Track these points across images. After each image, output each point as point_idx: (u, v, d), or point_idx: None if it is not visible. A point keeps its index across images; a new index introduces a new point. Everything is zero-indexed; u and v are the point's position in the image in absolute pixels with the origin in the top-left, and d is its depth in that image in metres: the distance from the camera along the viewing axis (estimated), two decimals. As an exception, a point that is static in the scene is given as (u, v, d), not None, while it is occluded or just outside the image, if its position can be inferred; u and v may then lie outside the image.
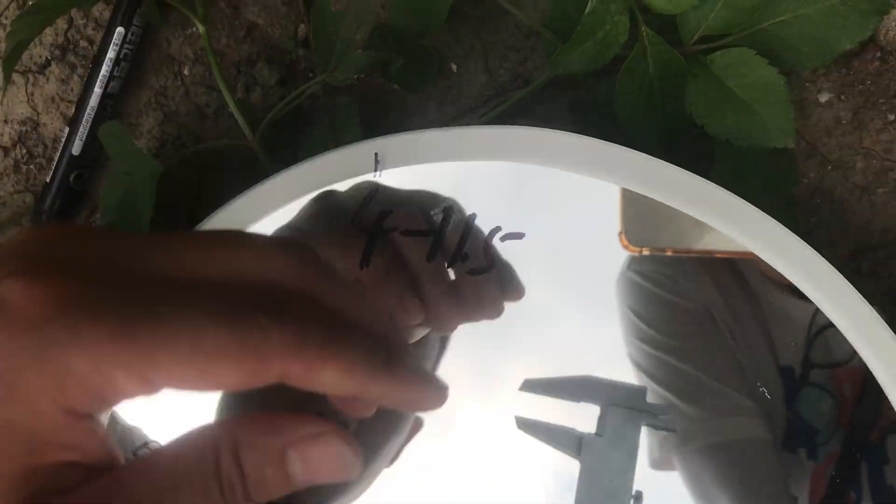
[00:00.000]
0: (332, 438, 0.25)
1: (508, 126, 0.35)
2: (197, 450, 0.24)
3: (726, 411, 0.38)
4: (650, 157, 0.33)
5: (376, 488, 0.41)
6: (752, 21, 0.35)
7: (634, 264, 0.39)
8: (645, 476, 0.36)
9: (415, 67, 0.38)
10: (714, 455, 0.39)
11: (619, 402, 0.37)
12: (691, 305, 0.38)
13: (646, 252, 0.38)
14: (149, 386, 0.22)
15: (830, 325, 0.35)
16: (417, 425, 0.41)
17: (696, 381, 0.38)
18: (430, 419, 0.41)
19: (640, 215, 0.38)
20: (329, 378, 0.24)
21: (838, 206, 0.40)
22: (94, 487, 0.23)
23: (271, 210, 0.37)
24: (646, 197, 0.35)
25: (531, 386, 0.38)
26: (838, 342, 0.36)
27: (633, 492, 0.36)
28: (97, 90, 0.45)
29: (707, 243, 0.37)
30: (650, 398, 0.38)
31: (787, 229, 0.33)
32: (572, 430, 0.37)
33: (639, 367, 0.38)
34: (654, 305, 0.38)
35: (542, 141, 0.34)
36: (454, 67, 0.43)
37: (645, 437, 0.38)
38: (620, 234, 0.38)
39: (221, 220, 0.37)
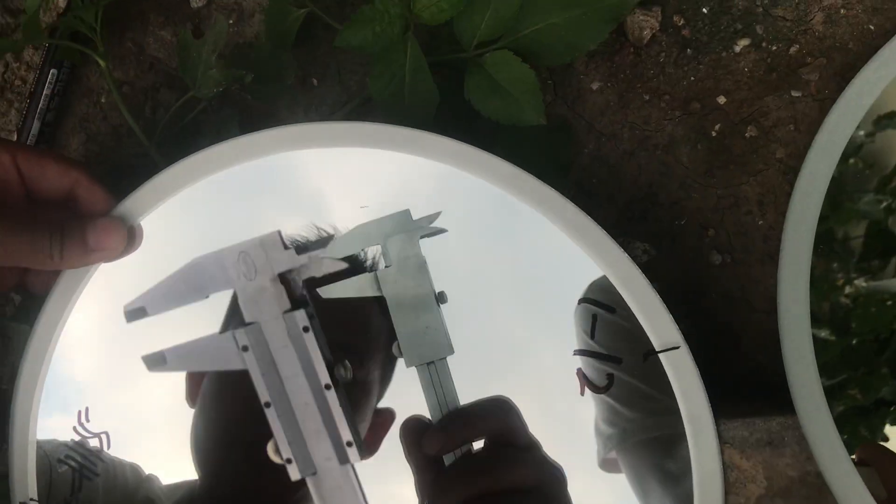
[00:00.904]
0: (115, 219, 0.45)
1: (340, 122, 0.46)
2: (42, 225, 0.44)
3: (658, 411, 0.44)
4: (442, 136, 0.44)
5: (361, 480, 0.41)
6: (515, 29, 0.46)
7: (589, 293, 0.44)
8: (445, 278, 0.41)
9: (267, 81, 0.49)
10: (648, 448, 0.45)
11: (392, 233, 0.39)
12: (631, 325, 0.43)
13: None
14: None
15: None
16: (390, 416, 0.44)
17: (634, 388, 0.44)
18: (403, 410, 0.42)
19: None
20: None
21: (613, 168, 0.52)
22: None
23: (164, 198, 0.48)
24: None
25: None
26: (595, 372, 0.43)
27: (436, 293, 0.39)
28: (36, 122, 0.56)
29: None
30: (597, 407, 0.44)
31: (544, 184, 0.43)
32: (366, 275, 0.40)
33: (586, 376, 0.44)
34: (602, 328, 0.44)
35: (362, 130, 0.44)
36: (315, 81, 0.55)
37: (592, 440, 0.44)
38: None
39: (127, 206, 0.47)
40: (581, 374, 0.44)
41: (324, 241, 0.42)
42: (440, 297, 0.40)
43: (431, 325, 0.38)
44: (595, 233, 0.43)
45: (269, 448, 0.37)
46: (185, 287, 0.38)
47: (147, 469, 0.50)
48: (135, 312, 0.41)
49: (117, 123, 0.57)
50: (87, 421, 0.48)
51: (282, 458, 0.37)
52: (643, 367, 0.43)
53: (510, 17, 0.46)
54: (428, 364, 0.38)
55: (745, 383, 0.49)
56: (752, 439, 0.43)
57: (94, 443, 0.48)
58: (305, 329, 0.37)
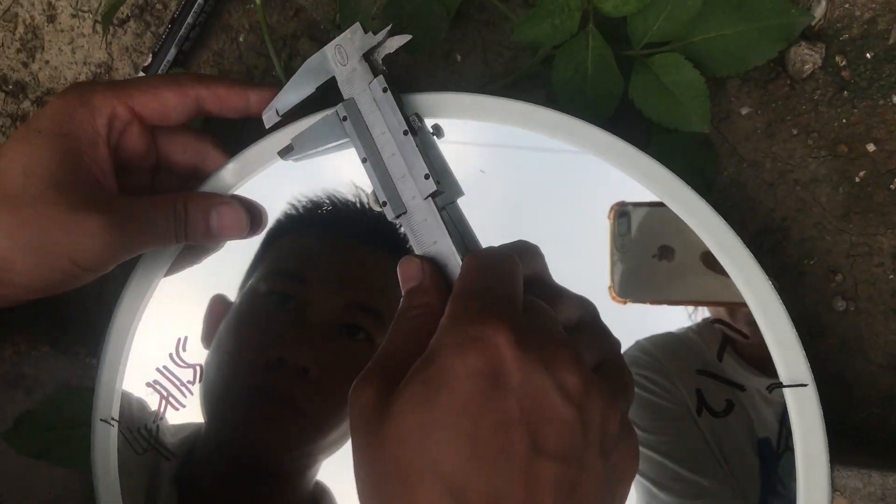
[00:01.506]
0: (236, 205, 0.45)
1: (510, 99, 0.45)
2: (168, 196, 0.44)
3: (695, 495, 0.43)
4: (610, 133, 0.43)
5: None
6: (685, 34, 0.46)
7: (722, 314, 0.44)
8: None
9: (420, 33, 0.48)
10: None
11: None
12: (668, 404, 0.44)
13: (629, 303, 0.45)
14: (128, 107, 0.44)
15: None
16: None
17: (668, 470, 0.44)
18: None
19: (626, 272, 0.45)
20: (221, 91, 0.45)
21: (750, 196, 0.51)
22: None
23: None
24: (632, 254, 0.44)
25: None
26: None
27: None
28: (174, 49, 0.56)
29: (685, 296, 0.44)
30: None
31: (699, 197, 0.42)
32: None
33: (703, 398, 0.43)
34: (732, 353, 0.44)
35: (525, 111, 0.44)
36: (458, 57, 0.54)
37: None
38: (609, 287, 0.45)
39: (262, 147, 0.47)
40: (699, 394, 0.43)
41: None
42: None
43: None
44: (741, 254, 0.42)
45: (370, 197, 0.42)
46: (304, 81, 0.45)
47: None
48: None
49: (252, 65, 0.57)
50: (184, 350, 0.48)
51: (379, 203, 0.41)
52: (761, 397, 0.42)
53: (685, 21, 0.45)
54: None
55: (855, 434, 0.48)
56: (865, 492, 0.42)
57: (186, 374, 0.48)
58: (385, 90, 0.42)
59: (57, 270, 0.40)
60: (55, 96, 0.44)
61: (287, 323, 0.47)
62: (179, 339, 0.48)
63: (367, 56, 0.43)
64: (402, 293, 0.38)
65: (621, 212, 0.45)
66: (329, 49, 0.44)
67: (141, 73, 0.57)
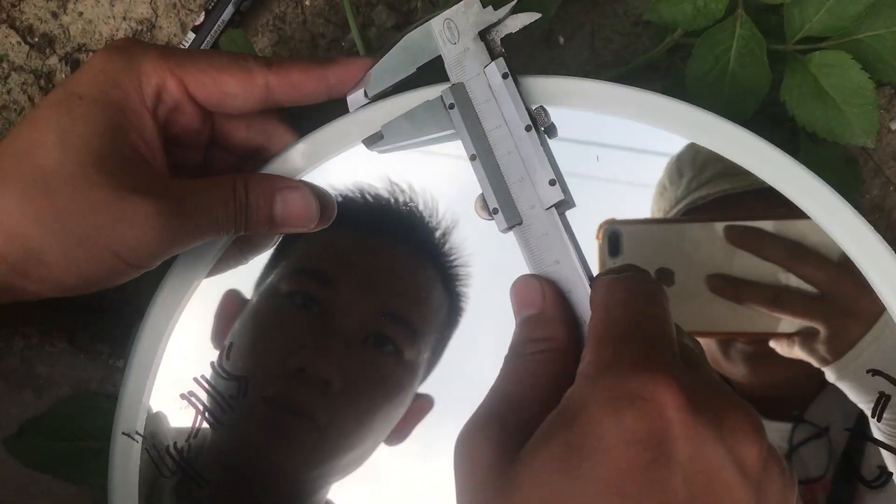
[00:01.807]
0: (304, 191, 0.38)
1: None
2: (225, 178, 0.37)
3: None
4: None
5: (382, 469, 0.41)
6: (850, 30, 0.39)
7: (877, 362, 0.38)
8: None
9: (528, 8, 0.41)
10: None
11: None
12: None
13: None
14: (181, 84, 0.37)
15: (804, 442, 0.38)
16: (428, 404, 0.42)
17: None
18: (442, 397, 0.41)
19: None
20: (294, 77, 0.37)
21: (894, 223, 0.44)
22: None
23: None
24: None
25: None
26: (813, 458, 0.38)
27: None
28: (231, 7, 0.49)
29: (688, 326, 0.35)
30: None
31: (861, 218, 0.35)
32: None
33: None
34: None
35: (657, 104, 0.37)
36: (561, 40, 0.47)
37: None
38: None
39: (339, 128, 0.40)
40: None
41: None
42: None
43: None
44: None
45: (477, 204, 0.36)
46: (402, 59, 0.38)
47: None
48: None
49: (318, 33, 0.50)
50: (229, 359, 0.40)
51: (489, 212, 0.36)
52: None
53: (853, 15, 0.38)
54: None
55: None
56: None
57: (230, 387, 0.40)
58: (505, 76, 0.36)
59: (96, 266, 0.34)
60: (94, 55, 0.37)
61: (309, 329, 0.42)
62: (224, 347, 0.41)
63: (484, 35, 0.37)
64: (516, 321, 0.33)
65: (611, 231, 0.40)
66: (436, 23, 0.37)
67: (190, 35, 0.49)
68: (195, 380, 0.40)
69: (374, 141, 0.38)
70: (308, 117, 0.41)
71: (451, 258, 0.42)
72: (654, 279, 0.31)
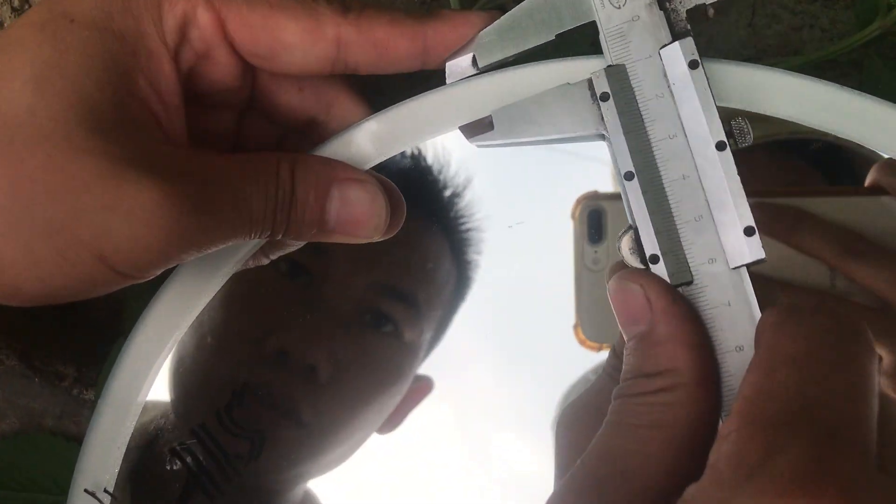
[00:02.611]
0: (371, 187, 0.27)
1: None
2: (265, 155, 0.26)
3: None
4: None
5: (370, 456, 0.37)
6: None
7: None
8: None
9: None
10: None
11: None
12: None
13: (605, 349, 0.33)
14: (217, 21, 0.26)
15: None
16: (426, 386, 0.38)
17: None
18: (442, 380, 0.37)
19: (599, 301, 0.33)
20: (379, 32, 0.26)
21: None
22: None
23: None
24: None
25: None
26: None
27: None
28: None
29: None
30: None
31: None
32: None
33: None
34: None
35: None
36: (711, 12, 0.36)
37: None
38: (575, 326, 0.33)
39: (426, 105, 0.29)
40: None
41: None
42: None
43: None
44: None
45: (623, 244, 0.26)
46: (531, 22, 0.27)
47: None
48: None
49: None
50: (240, 407, 0.30)
51: (640, 256, 0.25)
52: None
53: None
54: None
55: None
56: None
57: (237, 445, 0.30)
58: (694, 64, 0.25)
59: (70, 271, 0.23)
60: None
61: (295, 304, 0.36)
62: (235, 393, 0.30)
63: (663, 3, 0.26)
64: (625, 337, 0.24)
65: (591, 209, 0.32)
66: None
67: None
68: (193, 430, 0.30)
69: (477, 130, 0.27)
70: (381, 90, 0.30)
71: (462, 221, 0.37)
72: (862, 323, 0.21)
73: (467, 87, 0.27)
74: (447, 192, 0.37)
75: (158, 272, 0.25)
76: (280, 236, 0.26)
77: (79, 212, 0.22)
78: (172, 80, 0.26)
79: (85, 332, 0.34)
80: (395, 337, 0.37)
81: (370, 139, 0.28)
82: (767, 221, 0.29)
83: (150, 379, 0.30)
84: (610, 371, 0.28)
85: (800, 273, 0.30)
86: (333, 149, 0.28)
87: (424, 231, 0.37)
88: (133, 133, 0.23)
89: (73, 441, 0.31)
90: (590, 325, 0.33)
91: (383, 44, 0.26)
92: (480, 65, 0.27)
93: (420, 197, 0.36)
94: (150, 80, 0.25)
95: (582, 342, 0.34)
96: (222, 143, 0.29)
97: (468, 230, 0.37)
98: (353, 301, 0.37)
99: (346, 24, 0.26)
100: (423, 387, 0.38)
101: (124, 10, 0.24)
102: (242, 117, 0.29)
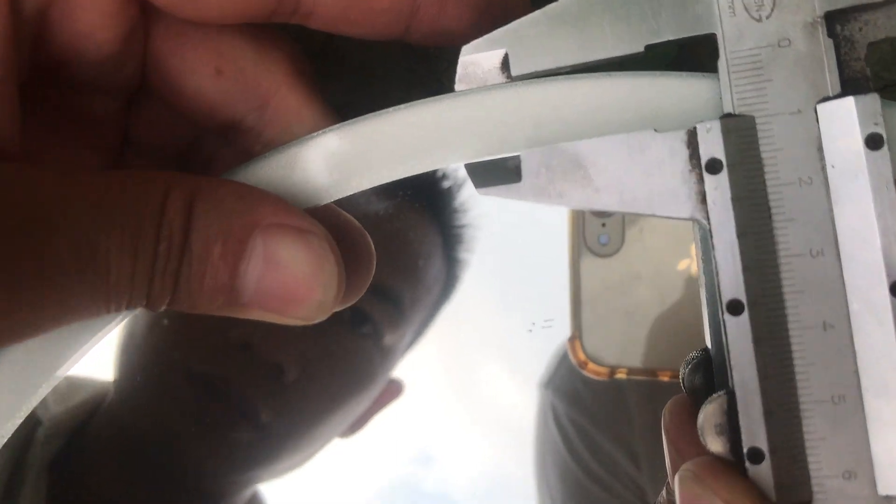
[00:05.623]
0: (316, 241, 0.17)
1: None
2: (148, 177, 0.16)
3: None
4: None
5: (330, 460, 0.37)
6: None
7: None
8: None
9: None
10: None
11: None
12: None
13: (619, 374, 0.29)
14: None
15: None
16: (396, 389, 0.37)
17: None
18: (414, 383, 0.36)
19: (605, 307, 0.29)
20: None
21: None
22: None
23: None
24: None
25: None
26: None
27: None
28: None
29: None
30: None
31: None
32: None
33: None
34: None
35: None
36: None
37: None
38: (572, 340, 0.29)
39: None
40: None
41: None
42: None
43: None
44: None
45: (707, 415, 0.16)
46: (606, 19, 0.16)
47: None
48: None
49: None
50: (193, 397, 0.36)
51: (731, 444, 0.16)
52: None
53: None
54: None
55: None
56: None
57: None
58: (873, 142, 0.15)
59: None
60: None
61: None
62: (190, 381, 0.34)
63: (834, 25, 0.16)
64: None
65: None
66: None
67: None
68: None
69: (493, 177, 0.17)
70: (352, 86, 0.20)
71: (459, 216, 0.36)
72: None
73: (488, 99, 0.17)
74: (446, 183, 0.36)
75: None
76: (163, 307, 0.17)
77: None
78: (4, 36, 0.15)
79: None
80: (374, 339, 0.36)
81: (326, 162, 0.18)
82: None
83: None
84: None
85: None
86: (263, 173, 0.18)
87: (418, 224, 0.36)
88: None
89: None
90: (594, 338, 0.27)
91: None
92: (514, 72, 0.17)
93: (416, 185, 0.35)
94: None
95: (582, 364, 0.27)
96: (92, 150, 0.18)
97: (463, 226, 0.36)
98: None
99: None
100: (393, 390, 0.37)
101: None
102: (128, 109, 0.19)
